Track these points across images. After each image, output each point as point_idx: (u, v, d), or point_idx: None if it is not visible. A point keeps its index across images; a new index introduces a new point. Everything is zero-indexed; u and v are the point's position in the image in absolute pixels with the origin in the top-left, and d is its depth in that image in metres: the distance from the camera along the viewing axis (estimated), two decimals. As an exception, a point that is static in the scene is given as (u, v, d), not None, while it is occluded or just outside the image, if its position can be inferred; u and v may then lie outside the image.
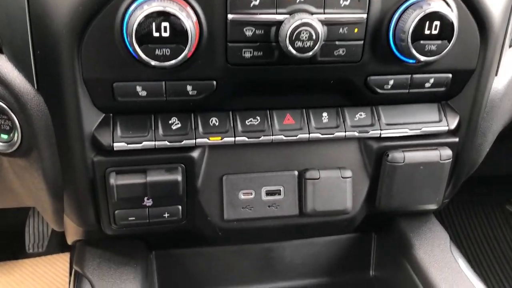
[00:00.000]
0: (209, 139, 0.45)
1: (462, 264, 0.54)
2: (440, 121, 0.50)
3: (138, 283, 0.50)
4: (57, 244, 0.97)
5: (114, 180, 0.44)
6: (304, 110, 0.48)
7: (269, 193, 0.49)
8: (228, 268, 0.60)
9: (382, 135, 0.49)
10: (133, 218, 0.47)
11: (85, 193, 0.47)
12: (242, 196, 0.48)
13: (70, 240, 0.59)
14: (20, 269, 0.91)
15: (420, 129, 0.49)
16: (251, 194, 0.48)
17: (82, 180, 0.46)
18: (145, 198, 0.47)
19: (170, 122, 0.45)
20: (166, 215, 0.48)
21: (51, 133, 0.44)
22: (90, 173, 0.45)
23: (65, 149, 0.45)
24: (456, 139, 0.51)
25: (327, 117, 0.48)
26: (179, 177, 0.45)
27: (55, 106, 0.43)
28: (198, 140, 0.45)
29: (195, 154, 0.46)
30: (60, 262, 0.92)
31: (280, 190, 0.49)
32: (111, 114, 0.44)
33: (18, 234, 0.98)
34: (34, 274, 0.90)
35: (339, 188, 0.49)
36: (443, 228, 0.59)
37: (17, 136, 0.45)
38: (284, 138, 0.47)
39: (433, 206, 0.54)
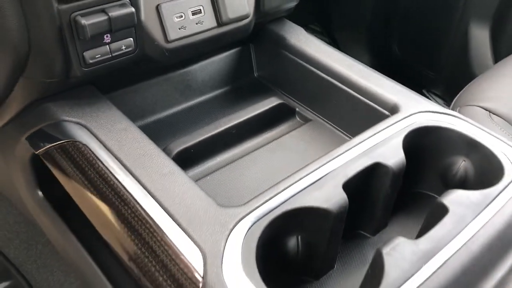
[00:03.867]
0: None
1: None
2: None
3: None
4: None
5: (86, 20, 0.53)
6: None
7: (193, 13, 0.63)
8: (159, 97, 0.73)
9: None
10: (99, 55, 0.57)
11: (54, 42, 0.54)
12: (175, 19, 0.61)
13: (14, 107, 0.64)
14: None
15: None
16: (182, 16, 0.62)
17: (50, 30, 0.53)
18: (105, 36, 0.56)
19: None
20: (123, 47, 0.58)
21: None
22: (57, 21, 0.52)
23: (30, 3, 0.51)
24: None
25: None
26: (133, 9, 0.56)
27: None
28: None
29: (135, -10, 0.57)
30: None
31: (201, 9, 0.63)
32: None
33: None
34: None
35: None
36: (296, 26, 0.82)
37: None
38: None
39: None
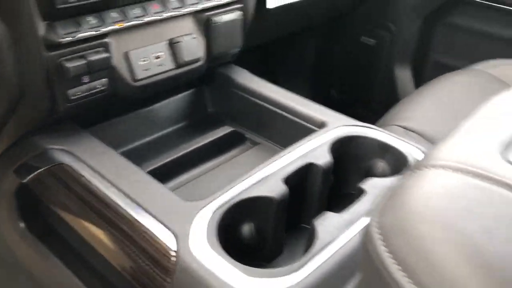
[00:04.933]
0: (116, 25, 0.71)
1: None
2: None
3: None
4: None
5: (69, 64, 0.66)
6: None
7: (156, 57, 0.77)
8: (129, 130, 0.86)
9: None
10: (79, 93, 0.70)
11: (43, 83, 0.66)
12: (141, 63, 0.76)
13: (3, 144, 0.74)
14: None
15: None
16: (147, 60, 0.76)
17: (40, 73, 0.65)
18: (84, 77, 0.69)
19: (87, 19, 0.68)
20: (99, 86, 0.71)
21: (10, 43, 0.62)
22: (46, 65, 0.65)
23: (24, 52, 0.63)
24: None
25: (175, 1, 0.78)
26: (107, 55, 0.70)
27: (12, 22, 0.62)
28: (109, 28, 0.70)
29: (108, 39, 0.71)
30: None
31: (162, 54, 0.78)
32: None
33: None
34: None
35: (194, 45, 0.81)
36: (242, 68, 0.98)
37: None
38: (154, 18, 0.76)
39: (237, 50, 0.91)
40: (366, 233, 0.38)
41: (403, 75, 1.62)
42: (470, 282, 0.31)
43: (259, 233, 0.65)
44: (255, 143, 0.91)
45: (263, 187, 0.64)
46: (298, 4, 1.17)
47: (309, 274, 0.52)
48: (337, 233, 0.58)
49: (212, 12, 0.84)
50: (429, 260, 0.33)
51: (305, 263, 0.54)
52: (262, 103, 0.88)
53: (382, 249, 0.36)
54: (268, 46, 1.60)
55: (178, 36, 0.79)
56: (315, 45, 1.75)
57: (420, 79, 1.60)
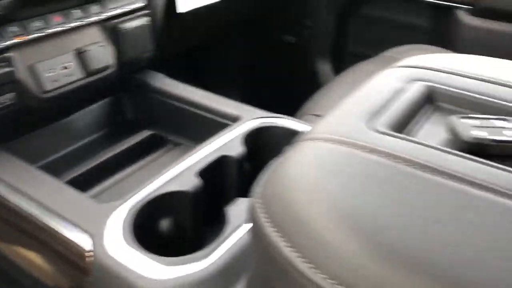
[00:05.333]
0: (16, 39, 0.71)
1: None
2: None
3: None
4: None
5: None
6: (65, 11, 0.78)
7: (63, 68, 0.78)
8: (49, 142, 0.86)
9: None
10: None
11: None
12: (48, 74, 0.76)
13: None
14: None
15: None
16: (54, 71, 0.77)
17: None
18: None
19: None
20: (5, 101, 0.71)
21: None
22: None
23: None
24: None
25: (79, 12, 0.79)
26: (9, 69, 0.70)
27: None
28: (9, 42, 0.70)
29: (10, 53, 0.71)
30: None
31: (69, 64, 0.79)
32: None
33: None
34: None
35: (102, 53, 0.82)
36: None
37: None
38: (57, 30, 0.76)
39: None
40: (251, 205, 0.41)
41: (324, 68, 1.70)
42: (334, 233, 0.35)
43: (177, 227, 0.67)
44: (177, 144, 0.93)
45: (177, 182, 0.66)
46: (211, 8, 1.20)
47: (219, 257, 0.55)
48: (245, 217, 0.61)
49: (119, 20, 0.85)
50: (300, 221, 0.37)
51: (216, 247, 0.57)
52: (178, 104, 0.91)
53: (262, 217, 0.39)
54: (196, 51, 1.62)
55: (85, 46, 0.80)
56: (240, 47, 1.80)
57: (340, 71, 1.68)
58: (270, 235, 0.38)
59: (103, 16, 0.83)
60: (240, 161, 0.74)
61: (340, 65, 1.72)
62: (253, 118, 0.82)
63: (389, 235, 0.33)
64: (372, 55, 1.44)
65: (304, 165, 0.41)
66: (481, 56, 0.66)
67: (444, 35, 1.49)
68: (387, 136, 0.44)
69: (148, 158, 0.89)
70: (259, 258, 0.42)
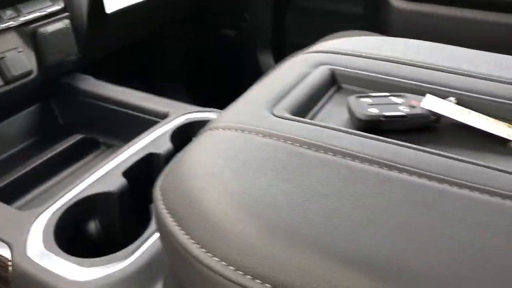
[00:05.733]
0: None
1: None
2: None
3: None
4: None
5: None
6: None
7: None
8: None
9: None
10: None
11: None
12: None
13: None
14: None
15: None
16: None
17: None
18: None
19: None
20: None
21: None
22: None
23: None
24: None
25: None
26: None
27: None
28: None
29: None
30: None
31: None
32: None
33: None
34: None
35: (21, 59, 0.80)
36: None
37: None
38: None
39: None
40: (154, 197, 0.42)
41: (266, 60, 1.71)
42: (224, 216, 0.36)
43: (105, 228, 0.67)
44: (109, 146, 0.92)
45: (102, 183, 0.66)
46: (141, 7, 1.19)
47: (140, 256, 0.55)
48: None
49: (37, 24, 0.83)
50: (194, 207, 0.37)
51: (138, 246, 0.57)
52: (107, 105, 0.90)
53: (162, 208, 0.40)
54: (138, 49, 1.60)
55: (1, 52, 0.78)
56: (181, 43, 1.78)
57: (282, 62, 1.70)
58: (169, 224, 0.38)
59: (19, 21, 0.81)
60: (168, 158, 0.74)
61: (281, 56, 1.74)
62: (182, 114, 0.82)
63: (275, 213, 0.34)
64: (309, 44, 1.47)
65: (202, 154, 0.42)
66: (400, 38, 0.68)
67: (378, 20, 1.53)
68: (286, 120, 0.45)
69: (80, 163, 0.88)
70: (165, 250, 0.42)
